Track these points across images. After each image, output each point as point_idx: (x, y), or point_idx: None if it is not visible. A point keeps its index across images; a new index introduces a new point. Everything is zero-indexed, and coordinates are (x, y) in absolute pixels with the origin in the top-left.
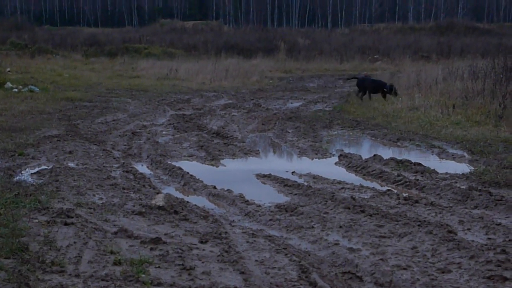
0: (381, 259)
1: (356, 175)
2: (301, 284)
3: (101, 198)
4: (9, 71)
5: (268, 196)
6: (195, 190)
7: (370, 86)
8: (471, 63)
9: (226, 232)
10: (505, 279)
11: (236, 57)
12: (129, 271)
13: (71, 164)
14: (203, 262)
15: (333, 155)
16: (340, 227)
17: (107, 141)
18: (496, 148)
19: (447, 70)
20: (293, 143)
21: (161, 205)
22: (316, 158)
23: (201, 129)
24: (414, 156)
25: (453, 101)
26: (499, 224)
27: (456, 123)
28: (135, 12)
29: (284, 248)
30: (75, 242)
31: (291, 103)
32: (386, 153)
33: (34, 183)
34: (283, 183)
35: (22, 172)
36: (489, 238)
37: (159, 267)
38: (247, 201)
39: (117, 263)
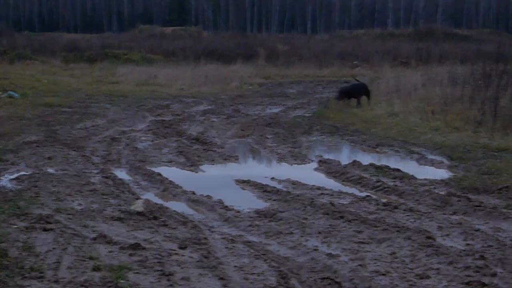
0: (360, 265)
1: (335, 181)
2: None
3: (80, 204)
4: None
5: (247, 202)
6: (175, 196)
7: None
8: (450, 69)
9: (205, 238)
10: (484, 284)
11: (216, 63)
12: (108, 276)
13: (50, 170)
14: (182, 268)
15: (312, 161)
16: (319, 232)
17: (86, 147)
18: (475, 154)
19: (426, 76)
20: (272, 149)
21: (140, 210)
22: (295, 164)
23: (181, 135)
24: (393, 162)
25: (432, 107)
26: (478, 230)
27: (435, 129)
28: (114, 17)
29: (263, 254)
30: (54, 248)
31: (271, 109)
32: (365, 159)
33: (13, 189)
34: (262, 189)
35: (1, 178)
36: (467, 244)
37: (138, 272)
38: (227, 206)
39: (96, 268)
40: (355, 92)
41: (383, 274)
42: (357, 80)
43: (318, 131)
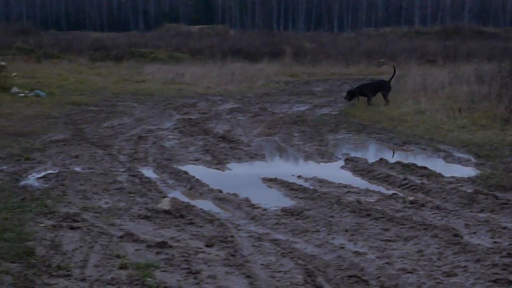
0: (387, 263)
1: (362, 179)
2: None
3: (107, 202)
4: (15, 76)
5: (274, 200)
6: (201, 194)
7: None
8: (477, 67)
9: (232, 236)
10: (511, 282)
11: (242, 61)
12: (135, 275)
13: (77, 169)
14: (209, 266)
15: (339, 159)
16: (346, 230)
17: (113, 145)
18: (502, 151)
19: (453, 74)
20: (299, 147)
21: (167, 209)
22: (322, 162)
23: (207, 133)
24: (420, 160)
25: (459, 104)
26: (505, 227)
27: (462, 126)
28: (141, 16)
29: (290, 252)
30: (81, 246)
31: (297, 107)
32: (392, 157)
33: (40, 188)
34: (289, 187)
35: (28, 176)
36: (495, 242)
37: (165, 271)
38: (253, 205)
39: (123, 267)
40: (364, 90)
41: (410, 272)
42: (391, 77)
43: (344, 129)
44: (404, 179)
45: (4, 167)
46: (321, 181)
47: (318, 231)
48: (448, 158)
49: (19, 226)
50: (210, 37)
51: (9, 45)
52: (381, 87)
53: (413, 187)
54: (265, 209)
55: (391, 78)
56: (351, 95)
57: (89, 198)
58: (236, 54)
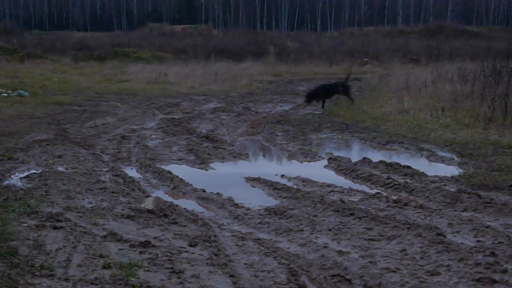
0: (370, 262)
1: (345, 178)
2: (290, 287)
3: (91, 202)
4: None
5: (257, 199)
6: (185, 194)
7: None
8: (460, 66)
9: (215, 235)
10: (494, 281)
11: (226, 60)
12: (119, 274)
13: (60, 168)
14: (192, 266)
15: (323, 158)
16: (329, 230)
17: (97, 145)
18: (485, 151)
19: (436, 73)
20: (283, 146)
21: (150, 208)
22: (305, 161)
23: (191, 133)
24: (403, 159)
25: (443, 104)
26: (488, 226)
27: (445, 126)
28: (124, 16)
29: (273, 251)
30: (64, 246)
31: (281, 106)
32: (376, 156)
33: (23, 187)
34: (272, 186)
35: (11, 176)
36: (478, 241)
37: (148, 270)
38: (237, 204)
39: (106, 266)
40: (320, 92)
41: (393, 271)
42: (347, 78)
43: (328, 129)
44: (388, 178)
45: None
46: (305, 181)
47: (302, 230)
48: (432, 157)
49: (2, 226)
50: (193, 36)
51: None
52: (337, 88)
53: (396, 186)
54: (248, 209)
55: (347, 78)
56: (309, 97)
57: (72, 198)
58: (220, 54)
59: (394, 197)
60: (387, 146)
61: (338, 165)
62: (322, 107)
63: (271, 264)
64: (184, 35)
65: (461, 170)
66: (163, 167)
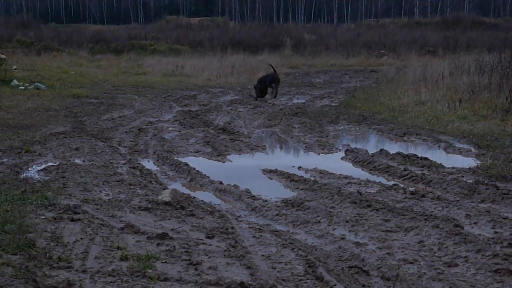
0: (388, 253)
1: (362, 169)
2: (307, 279)
3: (108, 194)
4: (15, 69)
5: (274, 191)
6: (202, 186)
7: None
8: (477, 58)
9: (232, 227)
10: None
11: (242, 53)
12: (136, 266)
13: (77, 161)
14: (209, 257)
15: (340, 150)
16: (347, 221)
17: (114, 137)
18: (503, 142)
19: (453, 64)
20: (299, 138)
21: (167, 200)
22: (322, 153)
23: (207, 125)
24: (420, 151)
25: (460, 95)
26: (506, 218)
27: (462, 117)
28: (140, 9)
29: (290, 243)
30: (81, 238)
31: (297, 98)
32: (393, 147)
33: (40, 180)
34: (289, 178)
35: (29, 169)
36: (496, 232)
37: (165, 262)
38: (254, 196)
39: (123, 258)
40: (258, 83)
41: (411, 263)
42: (273, 68)
43: (345, 120)
44: (405, 170)
45: (5, 160)
46: (322, 172)
47: (319, 222)
48: (449, 148)
49: (20, 218)
50: (210, 29)
51: (9, 38)
52: (266, 81)
53: (413, 177)
54: (265, 200)
55: (274, 71)
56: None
57: (89, 190)
58: (236, 46)
59: (412, 189)
60: (404, 138)
61: (355, 156)
62: (255, 98)
63: (288, 256)
64: (200, 27)
65: (479, 162)
66: (180, 159)
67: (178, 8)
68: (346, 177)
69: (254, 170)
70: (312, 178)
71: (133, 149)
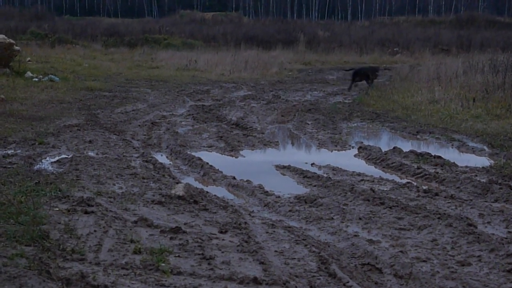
0: (401, 251)
1: (375, 167)
2: (320, 275)
3: (121, 187)
4: (29, 61)
5: (287, 187)
6: (215, 181)
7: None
8: (491, 57)
9: (245, 223)
10: None
11: (256, 48)
12: (149, 260)
13: (91, 153)
14: (222, 252)
15: (353, 147)
16: (360, 218)
17: (127, 131)
18: None
19: (467, 63)
20: (313, 134)
21: (181, 195)
22: (335, 150)
23: (221, 120)
24: (434, 149)
25: (474, 94)
26: None
27: (476, 116)
28: (155, 2)
29: (303, 239)
30: (95, 231)
31: (311, 95)
32: (406, 145)
33: (54, 172)
34: (302, 175)
35: (43, 160)
36: (509, 232)
37: (179, 256)
38: (267, 192)
39: (137, 251)
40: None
41: (424, 261)
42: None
43: (358, 118)
44: (418, 168)
45: (19, 151)
46: (335, 169)
47: (332, 218)
48: (462, 147)
49: (33, 209)
50: (223, 24)
51: (24, 30)
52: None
53: (427, 176)
54: (278, 196)
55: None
56: None
57: (103, 183)
58: (250, 42)
59: (425, 187)
60: (418, 136)
61: (369, 154)
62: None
63: (301, 252)
64: (214, 22)
65: (492, 161)
66: (193, 153)
67: (192, 2)
68: (359, 174)
69: (267, 165)
70: (325, 175)
71: (146, 143)
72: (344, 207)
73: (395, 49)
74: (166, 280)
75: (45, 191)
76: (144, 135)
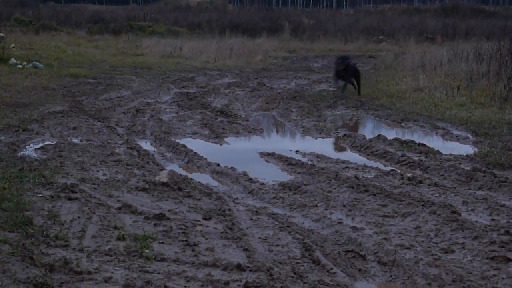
0: (385, 238)
1: (360, 154)
2: (304, 262)
3: (105, 174)
4: (13, 47)
5: (271, 174)
6: (199, 168)
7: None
8: (476, 45)
9: (229, 209)
10: (509, 259)
11: (241, 36)
12: (133, 246)
13: (75, 140)
14: (206, 239)
15: (337, 134)
16: (344, 206)
17: (111, 117)
18: (501, 130)
19: (452, 51)
20: (297, 122)
21: (165, 181)
22: (319, 137)
23: (205, 107)
24: (418, 137)
25: (458, 82)
26: (503, 205)
27: (460, 104)
28: None
29: (287, 226)
30: (79, 217)
31: (295, 82)
32: (390, 133)
33: (38, 158)
34: (286, 162)
35: (26, 147)
36: (492, 219)
37: (162, 242)
38: (251, 179)
39: (120, 238)
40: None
41: (408, 248)
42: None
43: (343, 105)
44: (402, 156)
45: (2, 138)
46: (319, 156)
47: (316, 206)
48: (446, 135)
49: (17, 196)
50: (208, 11)
51: (8, 16)
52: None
53: (411, 163)
54: (262, 183)
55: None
56: None
57: (87, 170)
58: (235, 29)
59: (409, 175)
60: (402, 124)
61: (353, 141)
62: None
63: (285, 239)
64: (199, 9)
65: (476, 149)
66: (177, 140)
67: None
68: (343, 161)
69: (252, 153)
70: (309, 162)
71: (130, 130)
72: (328, 194)
73: (380, 37)
74: (149, 267)
75: (28, 177)
76: (129, 122)
